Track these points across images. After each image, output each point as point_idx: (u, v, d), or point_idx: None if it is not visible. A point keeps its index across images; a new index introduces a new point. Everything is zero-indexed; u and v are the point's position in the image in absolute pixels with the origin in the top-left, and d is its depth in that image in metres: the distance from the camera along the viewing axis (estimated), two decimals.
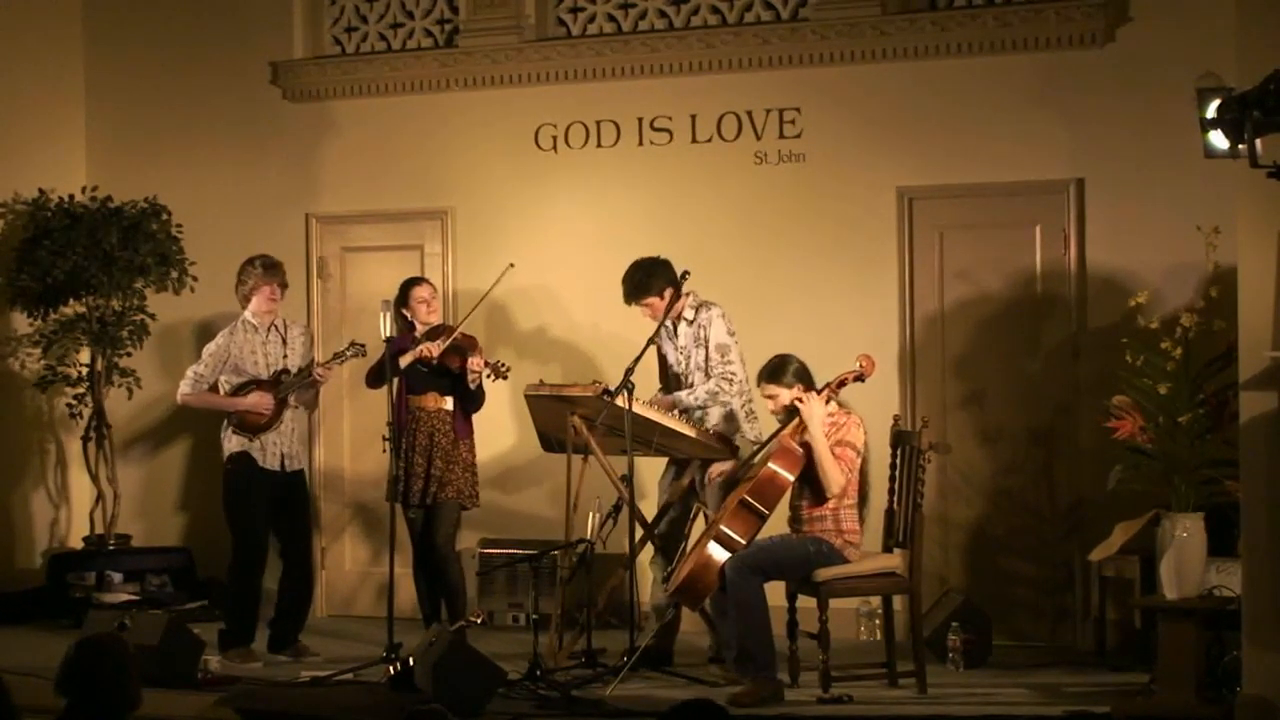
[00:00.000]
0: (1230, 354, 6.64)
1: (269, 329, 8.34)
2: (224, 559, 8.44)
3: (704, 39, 9.08)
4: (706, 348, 7.86)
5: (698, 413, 7.83)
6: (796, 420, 7.24)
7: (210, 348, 8.35)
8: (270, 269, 8.35)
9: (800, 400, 7.21)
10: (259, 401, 8.21)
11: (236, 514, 8.29)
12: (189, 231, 9.64)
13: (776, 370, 7.35)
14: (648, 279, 7.86)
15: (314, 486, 9.65)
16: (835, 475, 7.17)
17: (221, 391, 8.28)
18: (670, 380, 8.06)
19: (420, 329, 8.27)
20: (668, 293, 7.85)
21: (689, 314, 7.94)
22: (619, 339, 8.64)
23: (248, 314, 8.34)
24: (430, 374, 8.17)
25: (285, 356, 8.33)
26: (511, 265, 8.40)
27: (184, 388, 8.34)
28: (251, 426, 8.24)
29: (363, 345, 8.30)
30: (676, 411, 7.81)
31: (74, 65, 10.24)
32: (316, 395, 8.52)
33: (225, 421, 8.31)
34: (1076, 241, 8.41)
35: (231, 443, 8.27)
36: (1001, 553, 8.57)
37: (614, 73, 9.24)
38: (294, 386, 8.26)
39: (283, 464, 8.28)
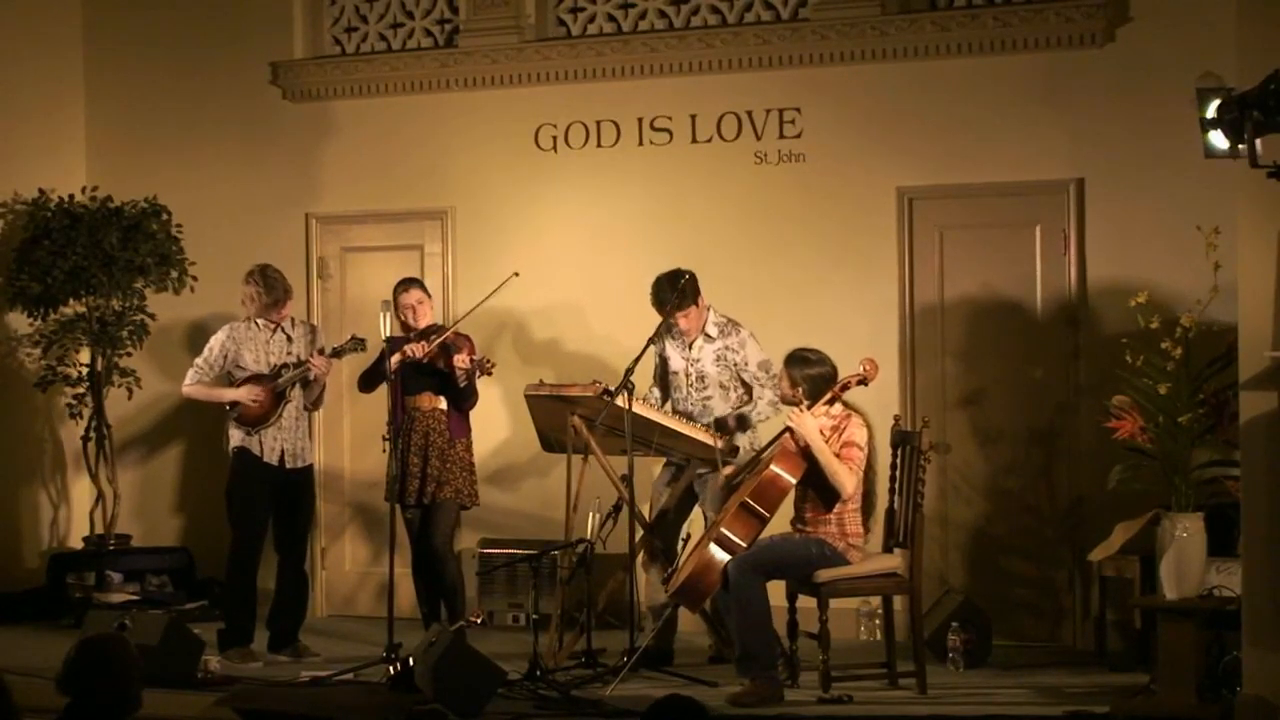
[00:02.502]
0: (1230, 354, 6.64)
1: (274, 329, 8.34)
2: (223, 559, 8.45)
3: (704, 39, 9.08)
4: (740, 369, 7.89)
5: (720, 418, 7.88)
6: (789, 435, 7.22)
7: (212, 342, 8.39)
8: (271, 300, 8.26)
9: (791, 418, 7.19)
10: (249, 392, 8.21)
11: (234, 508, 8.33)
12: (189, 231, 9.64)
13: (803, 363, 7.33)
14: (690, 288, 7.84)
15: (314, 486, 9.66)
16: (845, 479, 7.15)
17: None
18: (669, 387, 8.06)
19: (412, 332, 8.28)
20: (700, 302, 7.89)
21: (711, 330, 7.94)
22: (619, 339, 8.65)
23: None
24: (422, 374, 8.17)
25: (289, 353, 8.33)
26: (516, 274, 8.37)
27: (187, 379, 8.40)
28: (249, 420, 8.25)
29: (363, 339, 8.27)
30: (731, 418, 7.85)
31: (74, 65, 10.24)
32: (321, 393, 8.50)
33: (228, 417, 8.34)
34: (1076, 241, 8.41)
35: (234, 437, 8.29)
36: (1001, 553, 8.57)
37: (614, 73, 9.24)
38: (291, 381, 8.25)
39: (282, 460, 8.28)
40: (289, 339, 8.36)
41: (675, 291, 7.80)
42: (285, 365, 8.29)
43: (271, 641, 8.31)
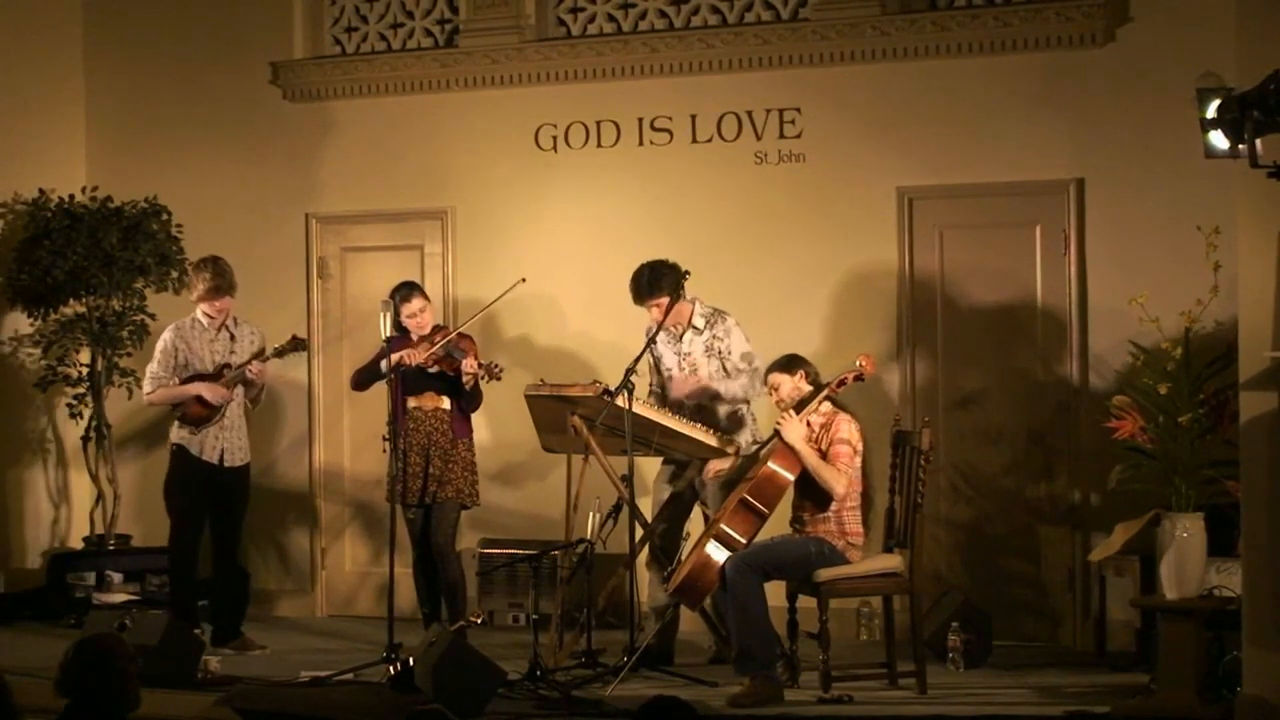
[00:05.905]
0: (1230, 354, 6.64)
1: (219, 328, 8.45)
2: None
3: (704, 39, 9.08)
4: (724, 358, 7.87)
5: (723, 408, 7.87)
6: (777, 442, 7.23)
7: (160, 346, 8.50)
8: (215, 288, 8.40)
9: (779, 423, 7.21)
10: (212, 389, 8.34)
11: (171, 503, 8.55)
12: (189, 231, 9.64)
13: (788, 364, 7.38)
14: (658, 279, 7.86)
15: (314, 486, 9.71)
16: (834, 480, 7.16)
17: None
18: (665, 384, 8.06)
19: (415, 336, 8.27)
20: (679, 293, 7.86)
21: (699, 322, 7.94)
22: (618, 339, 8.63)
23: (198, 312, 8.46)
24: (426, 374, 8.17)
25: (232, 353, 8.46)
26: (523, 280, 8.39)
27: (146, 388, 8.54)
28: (195, 419, 8.39)
29: (304, 339, 8.52)
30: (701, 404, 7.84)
31: (74, 65, 10.24)
32: (260, 391, 8.63)
33: (173, 413, 8.48)
34: (1076, 241, 8.41)
35: (174, 434, 8.48)
36: (1001, 553, 8.57)
37: (614, 73, 9.24)
38: (231, 381, 8.39)
39: (221, 459, 8.43)
40: (232, 338, 8.48)
41: (640, 282, 7.84)
42: (227, 365, 8.43)
43: (215, 636, 8.44)
